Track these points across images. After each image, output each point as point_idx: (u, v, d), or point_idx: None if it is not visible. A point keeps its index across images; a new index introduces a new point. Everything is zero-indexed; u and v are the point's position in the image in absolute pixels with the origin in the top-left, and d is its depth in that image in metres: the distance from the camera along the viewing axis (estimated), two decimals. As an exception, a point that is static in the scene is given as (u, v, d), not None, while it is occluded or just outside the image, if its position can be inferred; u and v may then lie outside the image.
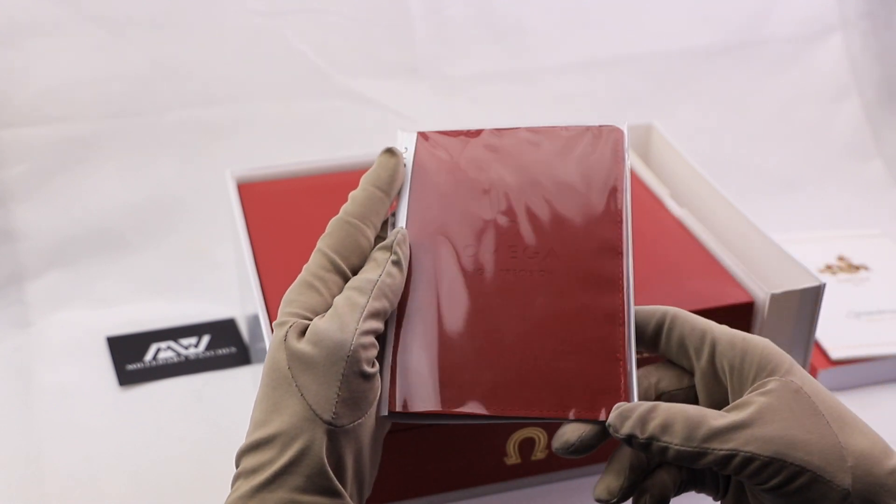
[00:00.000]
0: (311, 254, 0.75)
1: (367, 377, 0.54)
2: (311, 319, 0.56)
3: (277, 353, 0.55)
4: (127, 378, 0.87)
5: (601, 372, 0.57)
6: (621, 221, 0.61)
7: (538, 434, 0.74)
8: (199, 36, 1.07)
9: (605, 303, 0.59)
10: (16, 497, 0.77)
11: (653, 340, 0.59)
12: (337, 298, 0.57)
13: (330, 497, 0.53)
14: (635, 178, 0.85)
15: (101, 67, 1.04)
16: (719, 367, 0.57)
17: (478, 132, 0.66)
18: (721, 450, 0.52)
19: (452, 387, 0.57)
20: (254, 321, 0.77)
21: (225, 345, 0.91)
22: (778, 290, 0.72)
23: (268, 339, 0.68)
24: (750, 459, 0.52)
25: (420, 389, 0.58)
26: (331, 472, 0.53)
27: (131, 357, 0.89)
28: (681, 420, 0.53)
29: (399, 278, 0.59)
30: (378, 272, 0.58)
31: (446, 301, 0.60)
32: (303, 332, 0.55)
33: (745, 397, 0.54)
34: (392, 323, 0.59)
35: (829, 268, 0.99)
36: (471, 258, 0.61)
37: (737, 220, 0.80)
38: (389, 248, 0.59)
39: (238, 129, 1.08)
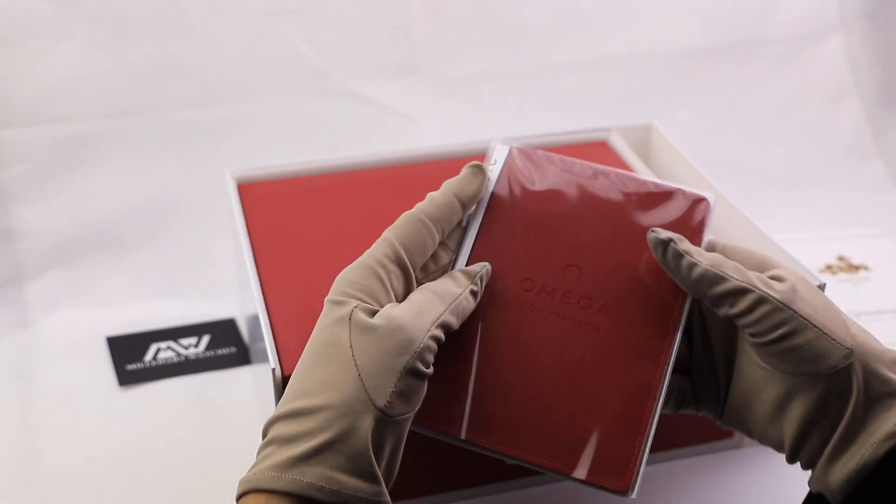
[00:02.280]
0: (310, 253, 0.75)
1: (423, 377, 0.55)
2: (370, 304, 0.56)
3: (338, 328, 0.55)
4: (127, 378, 0.87)
5: (620, 441, 0.58)
6: (684, 296, 0.61)
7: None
8: (199, 36, 1.07)
9: (643, 374, 0.59)
10: (16, 497, 0.77)
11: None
12: (416, 295, 0.57)
13: (369, 482, 0.52)
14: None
15: (101, 67, 1.04)
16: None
17: (572, 164, 0.66)
18: (741, 282, 0.56)
19: (476, 416, 0.58)
20: (254, 321, 0.77)
21: (225, 345, 0.91)
22: (778, 290, 0.72)
23: (268, 339, 0.68)
24: (763, 300, 0.55)
25: (446, 408, 0.59)
26: (373, 458, 0.52)
27: (131, 357, 0.89)
28: (713, 254, 0.58)
29: (471, 307, 0.59)
30: (460, 290, 0.58)
31: (491, 329, 0.60)
32: (368, 314, 0.55)
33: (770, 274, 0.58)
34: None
35: (829, 268, 0.99)
36: (526, 293, 0.61)
37: (737, 220, 0.80)
38: (472, 277, 0.60)
39: (238, 129, 1.08)
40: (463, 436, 0.58)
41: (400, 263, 0.58)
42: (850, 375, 0.55)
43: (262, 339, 0.70)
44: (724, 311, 0.57)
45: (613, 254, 0.62)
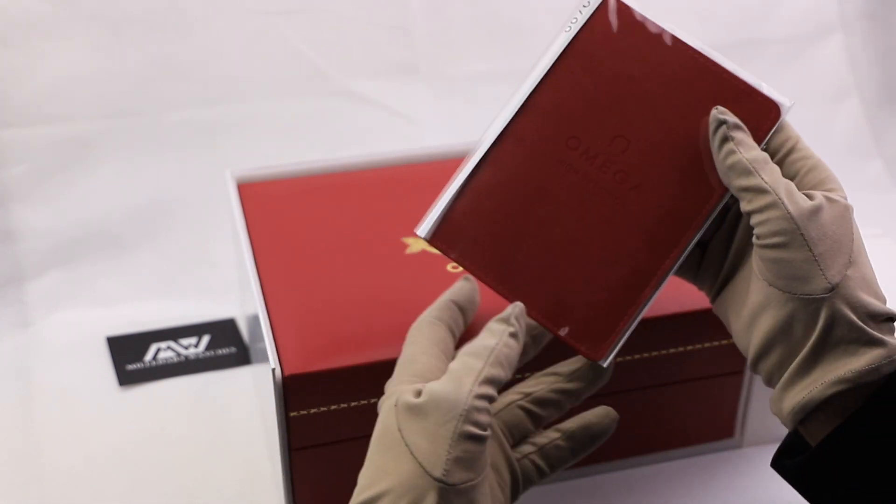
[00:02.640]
0: (310, 253, 0.75)
1: (480, 439, 0.54)
2: (417, 384, 0.57)
3: (388, 418, 0.56)
4: (127, 378, 0.87)
5: (608, 316, 0.60)
6: (714, 201, 0.60)
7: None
8: (199, 36, 1.07)
9: (650, 261, 0.60)
10: (16, 497, 0.77)
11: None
12: (452, 363, 0.57)
13: None
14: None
15: (101, 67, 1.04)
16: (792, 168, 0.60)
17: (663, 34, 0.64)
18: (766, 183, 0.56)
19: (483, 251, 0.60)
20: (254, 321, 0.77)
21: (225, 345, 0.91)
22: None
23: (268, 339, 0.68)
24: (776, 206, 0.55)
25: (458, 235, 0.61)
26: None
27: (131, 357, 0.89)
28: (758, 152, 0.58)
29: (516, 350, 0.58)
30: (495, 340, 0.58)
31: (525, 173, 0.61)
32: (414, 395, 0.56)
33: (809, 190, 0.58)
34: (470, 162, 0.61)
35: (829, 268, 0.99)
36: (569, 151, 0.62)
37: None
38: (507, 321, 0.59)
39: (238, 129, 1.08)
40: (465, 262, 0.61)
41: (441, 345, 0.60)
42: (819, 309, 0.55)
43: (262, 339, 0.70)
44: (743, 204, 0.58)
45: (665, 137, 0.62)
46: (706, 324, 0.73)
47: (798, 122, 1.15)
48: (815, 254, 0.55)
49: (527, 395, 0.61)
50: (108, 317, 0.94)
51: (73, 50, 1.03)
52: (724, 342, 0.74)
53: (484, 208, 0.61)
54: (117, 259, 1.00)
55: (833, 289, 0.55)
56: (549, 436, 0.60)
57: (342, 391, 0.68)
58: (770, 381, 0.58)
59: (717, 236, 0.63)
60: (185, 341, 0.91)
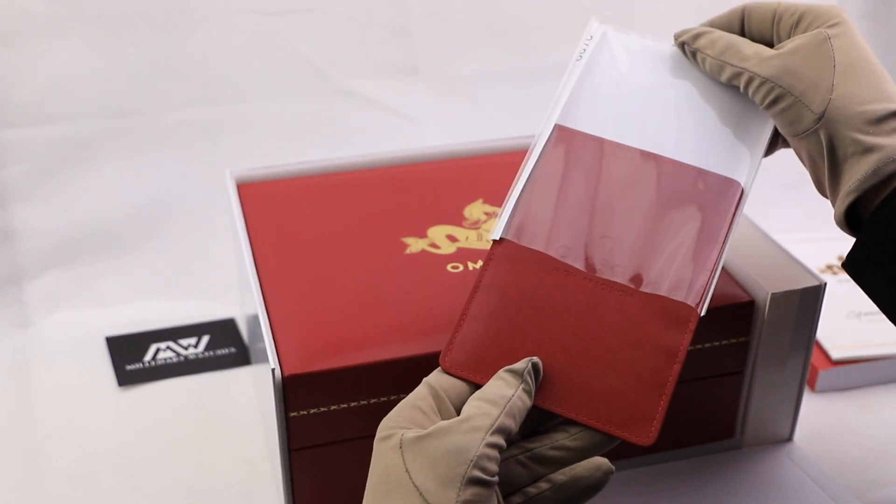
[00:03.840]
0: (310, 253, 0.75)
1: (488, 485, 0.53)
2: (418, 430, 0.55)
3: (391, 457, 0.54)
4: (126, 378, 0.87)
5: (646, 400, 0.59)
6: (712, 270, 0.63)
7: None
8: (199, 36, 1.07)
9: (671, 339, 0.61)
10: (16, 497, 0.77)
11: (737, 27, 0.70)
12: (467, 406, 0.56)
13: None
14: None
15: (102, 67, 1.04)
16: (782, 28, 0.67)
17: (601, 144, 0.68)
18: (737, 66, 0.65)
19: (497, 365, 0.59)
20: (254, 321, 0.77)
21: (225, 345, 0.91)
22: (778, 290, 0.72)
23: (268, 339, 0.68)
24: (752, 78, 0.64)
25: (474, 359, 0.60)
26: None
27: (131, 357, 0.89)
28: (723, 41, 0.67)
29: (527, 405, 0.57)
30: (511, 391, 0.56)
31: (527, 290, 0.62)
32: (419, 438, 0.54)
33: (785, 40, 0.65)
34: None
35: (829, 268, 0.99)
36: (562, 259, 0.63)
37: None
38: (521, 375, 0.58)
39: (238, 129, 1.08)
40: (480, 380, 0.60)
41: (440, 401, 0.58)
42: (819, 137, 0.62)
43: (261, 339, 0.70)
44: (740, 89, 0.66)
45: (649, 226, 0.65)
46: (706, 324, 0.73)
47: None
48: (796, 95, 0.63)
49: (527, 449, 0.58)
50: (107, 317, 0.94)
51: (73, 50, 1.03)
52: (724, 342, 0.74)
53: (496, 329, 0.61)
54: (117, 259, 1.00)
55: (821, 117, 0.62)
56: (539, 486, 0.58)
57: (342, 391, 0.68)
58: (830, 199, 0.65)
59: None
60: (184, 341, 0.91)
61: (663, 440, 0.77)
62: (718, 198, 0.66)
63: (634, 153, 0.67)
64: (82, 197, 1.02)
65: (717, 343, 0.74)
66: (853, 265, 0.63)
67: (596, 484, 0.58)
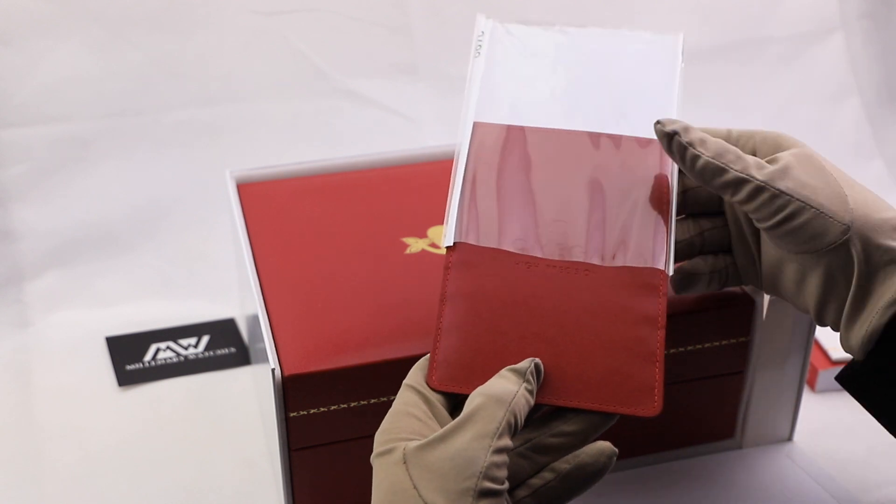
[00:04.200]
0: (310, 253, 0.75)
1: (498, 494, 0.52)
2: (418, 440, 0.53)
3: (396, 474, 0.52)
4: (126, 378, 0.87)
5: (638, 371, 0.59)
6: (666, 230, 0.63)
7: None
8: (199, 36, 1.07)
9: (647, 306, 0.60)
10: (16, 497, 0.77)
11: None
12: (471, 402, 0.54)
13: None
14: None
15: (101, 67, 1.04)
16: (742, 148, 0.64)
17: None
18: (741, 173, 0.59)
19: (487, 373, 0.57)
20: (253, 321, 0.77)
21: (224, 345, 0.91)
22: (778, 290, 0.72)
23: (268, 340, 0.68)
24: (761, 189, 0.59)
25: (458, 371, 0.58)
26: None
27: (131, 357, 0.89)
28: (714, 143, 0.60)
29: (531, 404, 0.55)
30: (516, 387, 0.55)
31: (491, 288, 0.61)
32: (423, 448, 0.53)
33: (769, 158, 0.61)
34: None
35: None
36: (520, 252, 0.62)
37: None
38: (523, 374, 0.56)
39: (238, 129, 1.08)
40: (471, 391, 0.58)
41: (428, 401, 0.56)
42: (849, 250, 0.59)
43: (261, 339, 0.70)
44: (728, 198, 0.61)
45: (598, 205, 0.64)
46: (706, 324, 0.73)
47: (798, 121, 1.16)
48: (817, 207, 0.59)
49: (527, 440, 0.57)
50: (107, 317, 0.94)
51: (73, 50, 1.03)
52: (724, 342, 0.74)
53: (474, 336, 0.60)
54: (117, 259, 1.00)
55: (849, 227, 0.59)
56: (543, 477, 0.57)
57: (342, 391, 0.68)
58: (836, 327, 0.62)
59: (734, 239, 0.66)
60: (184, 341, 0.91)
61: (663, 440, 0.78)
62: (653, 158, 0.65)
63: (559, 134, 0.67)
64: (82, 197, 1.02)
65: (717, 343, 0.74)
66: (858, 381, 0.62)
67: (601, 469, 0.57)
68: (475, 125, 0.68)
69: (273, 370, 0.66)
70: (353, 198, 0.83)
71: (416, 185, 0.85)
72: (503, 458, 0.53)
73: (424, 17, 1.13)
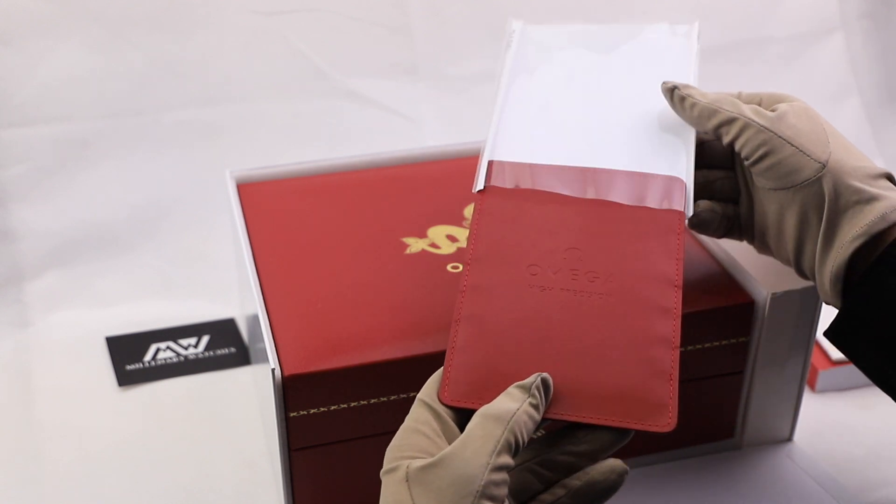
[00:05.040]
0: (310, 253, 0.75)
1: None
2: (423, 457, 0.53)
3: (399, 493, 0.53)
4: (126, 378, 0.87)
5: (654, 389, 0.59)
6: (680, 259, 0.64)
7: (538, 434, 0.74)
8: (199, 36, 1.07)
9: (661, 328, 0.61)
10: (16, 497, 0.77)
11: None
12: (470, 425, 0.54)
13: None
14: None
15: (101, 67, 1.04)
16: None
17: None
18: (730, 112, 0.65)
19: (498, 388, 0.57)
20: (253, 321, 0.77)
21: (224, 345, 0.91)
22: (778, 290, 0.72)
23: (268, 339, 0.68)
24: (748, 125, 0.64)
25: (473, 388, 0.58)
26: None
27: (131, 357, 0.89)
28: (714, 94, 0.67)
29: (534, 421, 0.55)
30: (517, 405, 0.55)
31: (506, 310, 0.61)
32: (424, 468, 0.53)
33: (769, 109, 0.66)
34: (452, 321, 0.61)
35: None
36: (534, 277, 0.63)
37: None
38: (528, 389, 0.56)
39: (238, 129, 1.08)
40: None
41: (441, 418, 0.56)
42: (821, 186, 0.63)
43: (261, 339, 0.70)
44: (723, 139, 0.66)
45: (609, 232, 0.65)
46: (706, 324, 0.73)
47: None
48: (796, 146, 0.63)
49: (537, 455, 0.57)
50: (107, 317, 0.94)
51: (73, 50, 1.03)
52: (724, 342, 0.74)
53: (488, 355, 0.60)
54: (117, 259, 1.00)
55: (824, 166, 0.63)
56: (554, 493, 0.57)
57: (342, 391, 0.68)
58: (812, 275, 0.66)
59: (740, 192, 0.70)
60: (184, 341, 0.91)
61: (663, 440, 0.78)
62: (666, 199, 0.67)
63: (575, 173, 0.68)
64: (82, 197, 1.02)
65: (717, 343, 0.74)
66: (838, 333, 0.64)
67: (612, 486, 0.57)
68: (491, 164, 0.69)
69: (273, 370, 0.66)
70: (353, 198, 0.83)
71: (416, 185, 0.85)
72: (502, 476, 0.52)
73: (424, 17, 1.13)
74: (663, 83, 0.69)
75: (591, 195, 0.67)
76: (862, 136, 1.21)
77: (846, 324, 0.64)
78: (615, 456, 0.58)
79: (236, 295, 0.94)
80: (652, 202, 0.67)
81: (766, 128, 0.64)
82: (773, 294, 0.72)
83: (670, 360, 0.60)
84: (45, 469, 0.79)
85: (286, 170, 0.86)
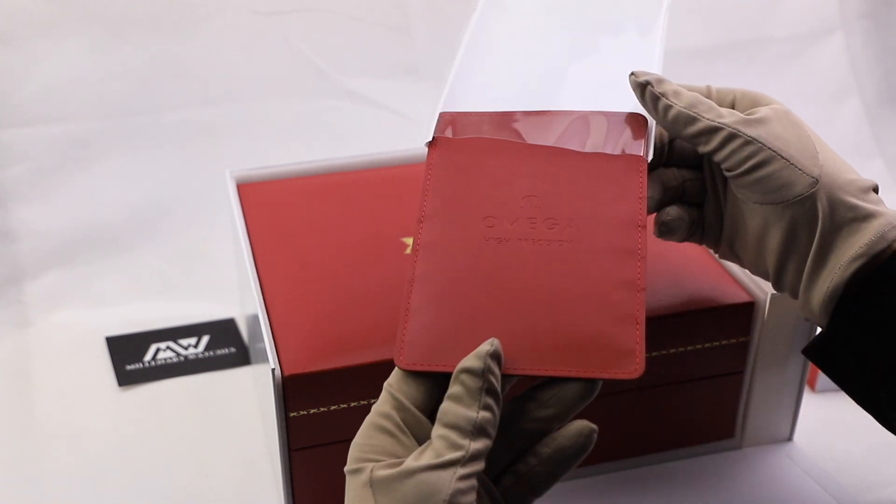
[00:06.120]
0: (310, 253, 0.75)
1: None
2: (389, 461, 0.52)
3: (363, 498, 0.51)
4: (126, 378, 0.87)
5: (619, 335, 0.57)
6: (643, 198, 0.62)
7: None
8: (199, 36, 1.07)
9: (625, 271, 0.59)
10: (16, 497, 0.77)
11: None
12: (433, 436, 0.52)
13: None
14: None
15: (101, 67, 1.04)
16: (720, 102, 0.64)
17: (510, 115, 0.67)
18: (713, 121, 0.60)
19: (456, 349, 0.56)
20: (253, 321, 0.77)
21: (224, 345, 0.91)
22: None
23: (268, 339, 0.68)
24: (733, 136, 0.59)
25: (431, 349, 0.56)
26: None
27: (131, 357, 0.89)
28: (689, 94, 0.61)
29: (496, 407, 0.53)
30: (475, 406, 0.52)
31: (463, 266, 0.59)
32: (389, 479, 0.51)
33: (747, 112, 0.61)
34: (407, 280, 0.59)
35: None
36: (490, 230, 0.61)
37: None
38: (481, 375, 0.53)
39: (238, 129, 1.08)
40: (443, 370, 0.56)
41: (407, 410, 0.54)
42: (815, 203, 0.59)
43: (261, 339, 0.70)
44: (701, 148, 0.61)
45: (567, 178, 0.63)
46: (706, 324, 0.73)
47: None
48: (787, 158, 0.59)
49: (505, 427, 0.56)
50: (107, 317, 0.94)
51: (73, 50, 1.03)
52: (724, 342, 0.74)
53: (445, 313, 0.58)
54: (117, 259, 1.00)
55: (818, 180, 0.59)
56: (528, 462, 0.56)
57: (342, 391, 0.68)
58: (794, 292, 0.62)
59: (707, 194, 0.66)
60: (184, 341, 0.91)
61: (663, 440, 0.78)
62: (627, 138, 0.64)
63: (535, 118, 0.66)
64: (82, 197, 1.02)
65: (717, 343, 0.74)
66: (822, 353, 0.61)
67: (582, 448, 0.56)
68: (442, 115, 0.67)
69: (273, 370, 0.66)
70: (353, 198, 0.83)
71: (415, 185, 0.85)
72: (469, 483, 0.51)
73: (424, 17, 1.13)
74: (632, 76, 0.62)
75: (547, 140, 0.65)
76: (862, 136, 1.21)
77: (832, 343, 0.61)
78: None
79: (236, 295, 0.94)
80: (611, 144, 0.64)
81: (753, 139, 0.59)
82: (772, 294, 0.72)
83: (636, 302, 0.58)
84: (45, 469, 0.79)
85: (286, 170, 0.86)
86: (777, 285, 0.63)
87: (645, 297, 0.58)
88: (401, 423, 0.54)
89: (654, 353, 0.73)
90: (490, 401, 0.53)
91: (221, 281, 0.96)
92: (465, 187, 0.63)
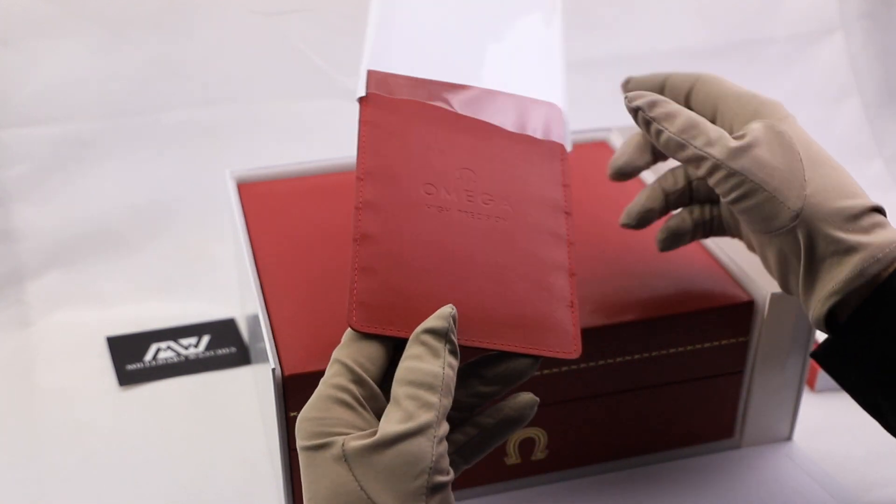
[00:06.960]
0: (310, 254, 0.75)
1: (446, 485, 0.51)
2: (354, 433, 0.51)
3: (337, 474, 0.50)
4: (127, 378, 0.87)
5: (557, 317, 0.59)
6: (567, 185, 0.64)
7: (538, 434, 0.74)
8: (199, 36, 1.07)
9: (556, 255, 0.61)
10: (17, 496, 0.77)
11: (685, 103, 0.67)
12: (400, 393, 0.51)
13: None
14: (636, 180, 0.85)
15: (101, 67, 1.04)
16: (723, 124, 0.65)
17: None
18: (699, 150, 0.60)
19: (408, 314, 0.56)
20: (254, 321, 0.77)
21: (225, 345, 0.91)
22: (778, 290, 0.72)
23: (268, 339, 0.68)
24: (718, 167, 0.59)
25: (384, 312, 0.56)
26: None
27: (131, 357, 0.89)
28: (683, 117, 0.61)
29: (456, 368, 0.53)
30: (439, 363, 0.52)
31: (407, 230, 0.59)
32: (368, 448, 0.50)
33: (739, 131, 0.61)
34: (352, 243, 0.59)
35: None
36: (429, 197, 0.61)
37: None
38: (444, 336, 0.53)
39: (238, 129, 1.08)
40: (399, 334, 0.56)
41: (360, 381, 0.53)
42: (796, 235, 0.59)
43: (261, 339, 0.70)
44: (692, 172, 0.64)
45: (499, 157, 0.64)
46: (706, 324, 0.73)
47: (799, 121, 1.15)
48: (770, 191, 0.59)
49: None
50: (108, 317, 0.94)
51: (73, 50, 1.03)
52: (724, 342, 0.74)
53: (393, 275, 0.58)
54: (117, 259, 1.00)
55: (798, 214, 0.59)
56: (467, 432, 0.56)
57: (342, 391, 0.68)
58: (800, 299, 0.63)
59: (701, 189, 0.68)
60: (184, 341, 0.91)
61: (663, 440, 0.78)
62: (546, 128, 0.67)
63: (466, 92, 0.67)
64: (82, 197, 1.02)
65: (717, 343, 0.74)
66: (827, 360, 0.62)
67: (524, 418, 0.56)
68: (370, 73, 0.68)
69: (273, 370, 0.66)
70: (353, 198, 0.83)
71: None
72: (445, 445, 0.51)
73: (424, 17, 1.13)
74: (626, 100, 0.63)
75: (477, 115, 0.65)
76: (862, 136, 1.21)
77: (836, 351, 0.61)
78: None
79: (236, 295, 0.94)
80: (533, 130, 0.66)
81: (736, 171, 0.59)
82: (772, 294, 0.72)
83: (569, 287, 0.60)
84: (45, 469, 0.79)
85: (286, 170, 0.86)
86: (786, 291, 0.65)
87: (576, 282, 0.61)
88: (359, 396, 0.53)
89: (654, 353, 0.73)
90: (453, 361, 0.53)
91: (221, 281, 0.96)
92: (402, 150, 0.63)
